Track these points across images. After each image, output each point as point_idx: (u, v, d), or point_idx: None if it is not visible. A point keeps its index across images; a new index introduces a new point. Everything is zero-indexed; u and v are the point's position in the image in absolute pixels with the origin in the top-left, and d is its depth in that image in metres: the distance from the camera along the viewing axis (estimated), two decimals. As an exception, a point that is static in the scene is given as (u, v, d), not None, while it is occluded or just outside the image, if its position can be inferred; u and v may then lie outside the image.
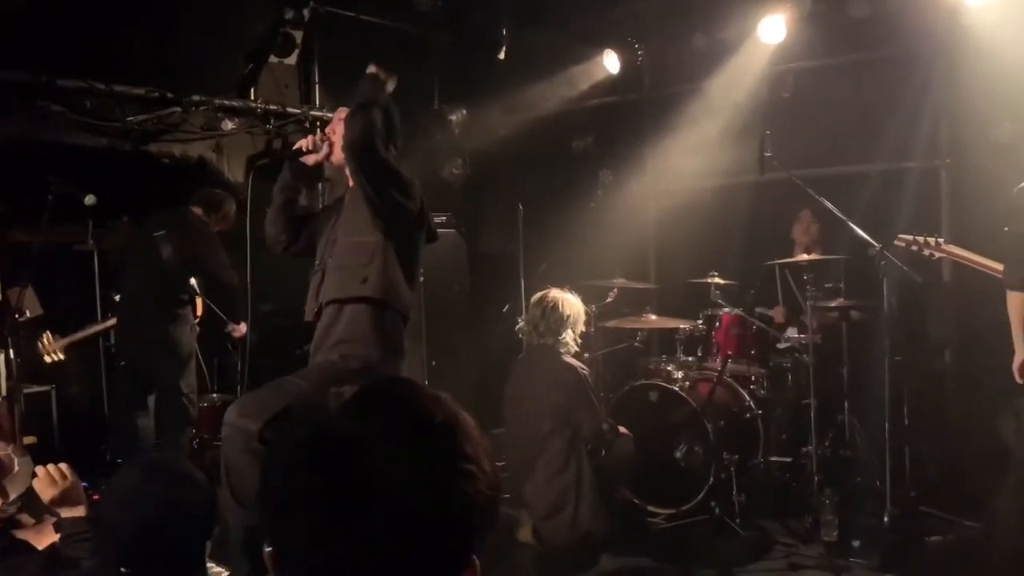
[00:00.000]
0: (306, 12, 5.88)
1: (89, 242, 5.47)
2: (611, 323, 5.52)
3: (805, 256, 5.06)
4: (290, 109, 6.10)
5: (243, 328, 5.36)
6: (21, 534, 2.37)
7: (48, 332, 5.13)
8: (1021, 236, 3.32)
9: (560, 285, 4.67)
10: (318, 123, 5.93)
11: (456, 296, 6.08)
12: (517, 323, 4.81)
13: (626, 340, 5.76)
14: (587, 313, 4.77)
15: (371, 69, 3.44)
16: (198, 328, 5.43)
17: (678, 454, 4.92)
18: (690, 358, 5.33)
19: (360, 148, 3.28)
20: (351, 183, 3.53)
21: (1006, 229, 3.40)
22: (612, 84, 6.65)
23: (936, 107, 5.38)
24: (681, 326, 5.36)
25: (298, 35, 5.97)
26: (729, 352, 5.16)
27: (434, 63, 6.86)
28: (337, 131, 3.49)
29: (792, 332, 5.49)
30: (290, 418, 3.11)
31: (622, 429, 4.62)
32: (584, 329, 4.68)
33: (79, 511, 2.18)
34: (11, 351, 4.68)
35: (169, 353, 5.16)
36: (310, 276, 3.58)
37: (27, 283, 4.85)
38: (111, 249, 5.71)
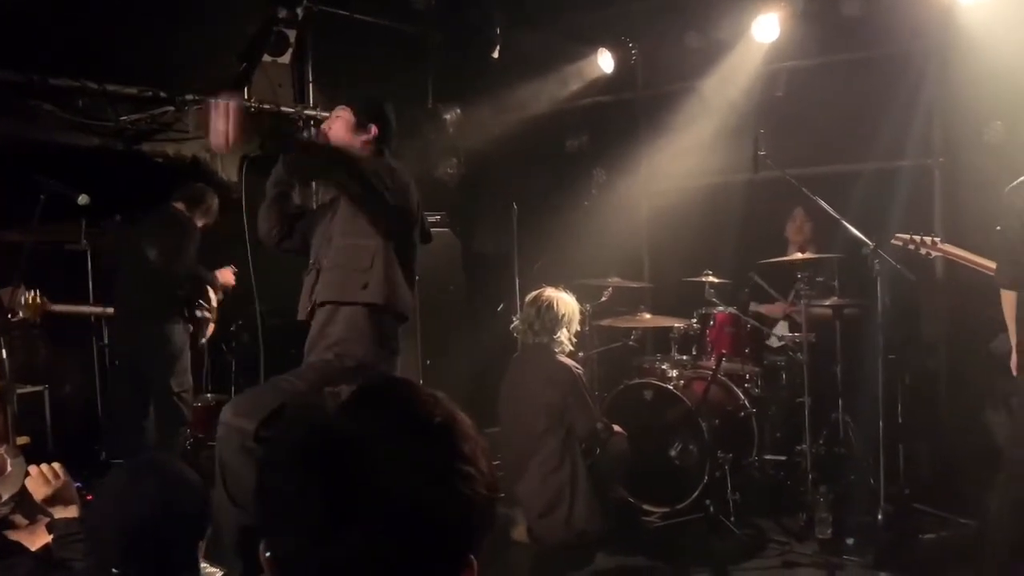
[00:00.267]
0: (300, 11, 5.86)
1: (82, 242, 5.45)
2: (605, 322, 5.53)
3: (799, 255, 5.07)
4: (284, 108, 6.08)
5: (229, 276, 5.36)
6: (14, 535, 2.37)
7: (37, 291, 5.08)
8: (1012, 235, 3.33)
9: (555, 284, 4.67)
10: (312, 122, 5.92)
11: (451, 295, 6.07)
12: (512, 322, 4.81)
13: (620, 339, 5.76)
14: (581, 312, 4.77)
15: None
16: (212, 327, 5.43)
17: (673, 453, 4.93)
18: (684, 357, 5.34)
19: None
20: None
21: (998, 228, 3.40)
22: (606, 83, 6.65)
23: (929, 106, 5.39)
24: (675, 325, 5.36)
25: (292, 34, 5.94)
26: (723, 351, 5.17)
27: (428, 62, 6.86)
28: (333, 128, 3.49)
29: (783, 329, 5.51)
30: (286, 417, 3.11)
31: (616, 428, 4.63)
32: (579, 328, 4.68)
33: (72, 511, 2.17)
34: (3, 351, 4.65)
35: (159, 352, 5.15)
36: (304, 275, 3.57)
37: (19, 283, 4.83)
38: (105, 251, 5.69)
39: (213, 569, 3.36)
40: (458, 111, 6.67)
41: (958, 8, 4.97)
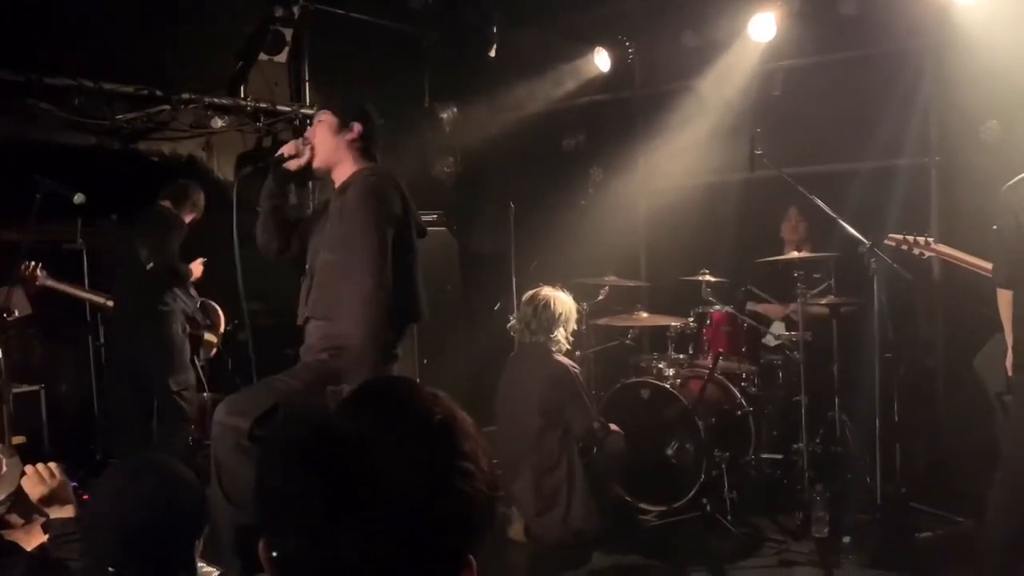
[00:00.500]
0: (296, 9, 5.86)
1: (78, 240, 5.44)
2: (602, 321, 5.53)
3: (796, 253, 5.08)
4: (280, 107, 6.08)
5: (198, 269, 5.37)
6: (9, 535, 2.36)
7: (40, 264, 5.08)
8: (1008, 234, 3.33)
9: (552, 283, 4.67)
10: (308, 121, 5.91)
11: (447, 294, 6.06)
12: (509, 321, 4.81)
13: (617, 338, 5.77)
14: (578, 311, 4.78)
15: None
16: (214, 351, 5.43)
17: (669, 451, 4.93)
18: (681, 356, 5.34)
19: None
20: (336, 186, 3.52)
21: (995, 227, 3.41)
22: (603, 82, 6.65)
23: (925, 104, 5.40)
24: (672, 324, 5.36)
25: (288, 33, 5.95)
26: (720, 349, 5.17)
27: (425, 61, 6.85)
28: (317, 134, 3.48)
29: (780, 328, 5.51)
30: (284, 415, 3.11)
31: (613, 427, 4.63)
32: (575, 327, 4.68)
33: (68, 511, 2.17)
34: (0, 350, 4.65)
35: (157, 351, 5.15)
36: (301, 280, 3.56)
37: (15, 282, 4.83)
38: (101, 249, 5.68)
39: (210, 568, 3.35)
40: (455, 110, 6.67)
41: (954, 7, 4.98)
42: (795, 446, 4.96)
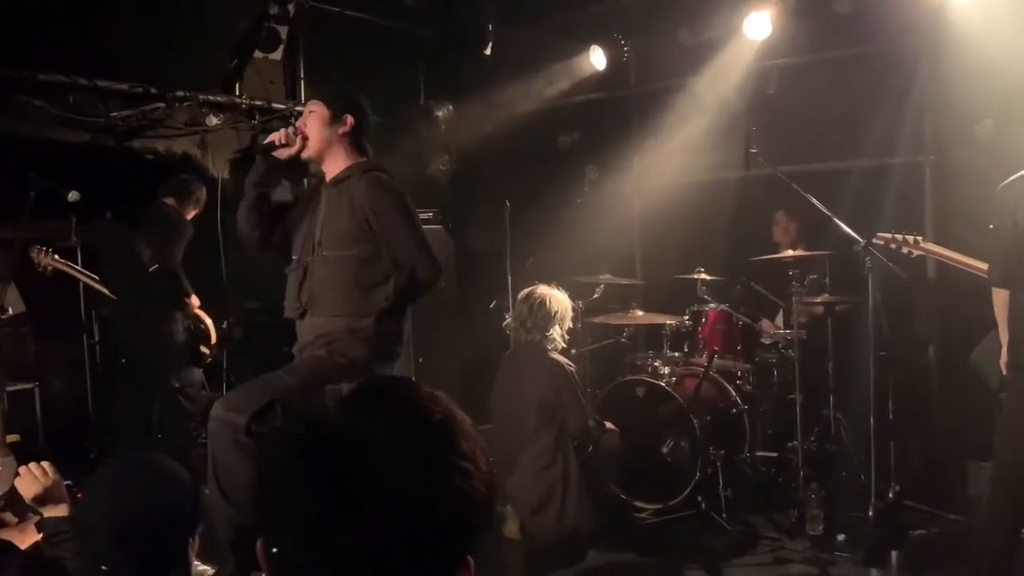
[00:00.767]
0: (291, 7, 5.85)
1: (72, 238, 5.43)
2: (598, 319, 5.53)
3: (790, 252, 5.08)
4: (275, 105, 6.07)
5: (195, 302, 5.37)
6: (4, 533, 2.36)
7: (51, 249, 5.09)
8: (1005, 234, 3.34)
9: (547, 281, 4.67)
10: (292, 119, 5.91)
11: (443, 293, 6.05)
12: (504, 319, 4.81)
13: (613, 336, 5.77)
14: (574, 309, 4.78)
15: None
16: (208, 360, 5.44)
17: (664, 449, 4.93)
18: (676, 354, 5.34)
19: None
20: (328, 178, 3.51)
21: (991, 226, 3.41)
22: (598, 80, 6.64)
23: (920, 103, 5.41)
24: (667, 322, 5.37)
25: (283, 30, 5.94)
26: (715, 348, 5.17)
27: (420, 59, 6.85)
28: (308, 123, 3.46)
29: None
30: (283, 413, 3.10)
31: (609, 425, 4.63)
32: (571, 325, 4.68)
33: (62, 510, 2.16)
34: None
35: (158, 350, 5.15)
36: (287, 271, 3.54)
37: (9, 280, 4.81)
38: (95, 247, 5.67)
39: (205, 567, 3.35)
40: (450, 108, 6.67)
41: (949, 5, 4.98)
42: (790, 444, 4.97)
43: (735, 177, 5.64)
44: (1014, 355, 3.32)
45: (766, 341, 5.49)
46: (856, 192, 5.27)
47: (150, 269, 5.01)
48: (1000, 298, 3.41)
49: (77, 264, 5.57)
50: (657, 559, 4.40)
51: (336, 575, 0.90)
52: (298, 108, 6.05)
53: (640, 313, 5.47)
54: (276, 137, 3.44)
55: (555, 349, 4.53)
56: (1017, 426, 3.32)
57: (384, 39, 6.44)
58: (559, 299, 4.57)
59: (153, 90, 5.43)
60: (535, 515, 4.35)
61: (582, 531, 4.36)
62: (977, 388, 3.98)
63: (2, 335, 4.94)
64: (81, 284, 5.55)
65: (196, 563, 2.12)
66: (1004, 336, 3.39)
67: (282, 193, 3.91)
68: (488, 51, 6.16)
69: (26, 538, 2.29)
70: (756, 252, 5.22)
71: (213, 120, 5.75)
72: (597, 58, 6.46)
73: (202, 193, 5.37)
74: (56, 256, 5.10)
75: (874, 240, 4.23)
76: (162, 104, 5.52)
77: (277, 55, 6.06)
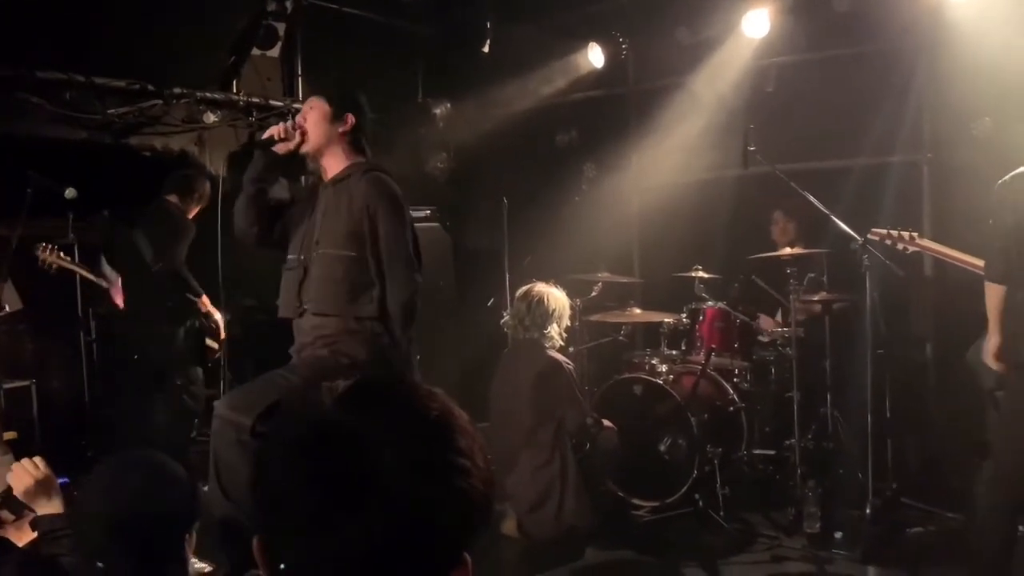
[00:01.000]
0: (289, 4, 5.84)
1: (69, 236, 5.41)
2: (595, 317, 5.53)
3: (788, 250, 5.08)
4: (273, 102, 6.05)
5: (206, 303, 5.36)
6: (1, 531, 2.35)
7: (57, 246, 5.09)
8: (1004, 230, 3.34)
9: (545, 279, 4.67)
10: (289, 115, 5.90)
11: (441, 291, 6.06)
12: (502, 317, 4.81)
13: (610, 334, 5.77)
14: (572, 307, 4.78)
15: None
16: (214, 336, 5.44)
17: (662, 447, 4.94)
18: (674, 352, 5.35)
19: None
20: (328, 177, 3.50)
21: (990, 222, 3.41)
22: (596, 78, 6.64)
23: (918, 102, 5.41)
24: (665, 320, 5.37)
25: (281, 27, 5.92)
26: (713, 345, 5.18)
27: (418, 56, 6.83)
28: (309, 119, 3.44)
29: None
30: (284, 412, 3.10)
31: (606, 423, 4.63)
32: (569, 323, 4.68)
33: (54, 505, 2.16)
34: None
35: (162, 348, 5.15)
36: (284, 270, 3.52)
37: (6, 278, 4.80)
38: (93, 245, 5.66)
39: (203, 564, 3.35)
40: (448, 106, 6.66)
41: (948, 4, 4.99)
42: (787, 442, 4.98)
43: (733, 175, 5.64)
44: (1014, 353, 3.32)
45: (764, 339, 5.49)
46: (854, 190, 5.27)
47: (154, 269, 5.00)
48: (994, 292, 3.40)
49: (74, 259, 5.57)
50: (654, 557, 4.40)
51: (334, 573, 0.89)
52: (296, 105, 6.04)
53: (638, 311, 5.48)
54: (275, 131, 3.42)
55: (553, 347, 4.53)
56: (1016, 425, 3.33)
57: (382, 37, 6.43)
58: (557, 297, 4.57)
59: (150, 87, 5.42)
60: (533, 512, 4.36)
61: (580, 529, 4.36)
62: (974, 386, 3.98)
63: (-1, 332, 4.94)
64: (79, 281, 5.54)
65: (193, 561, 2.12)
66: (994, 329, 3.39)
67: (279, 191, 3.90)
68: (486, 49, 6.15)
69: (23, 536, 2.29)
70: (754, 250, 5.22)
71: (211, 117, 5.74)
72: (595, 56, 6.45)
73: (206, 188, 5.36)
74: (61, 253, 5.09)
75: (869, 236, 4.22)
76: (159, 101, 5.51)
77: (275, 52, 6.05)
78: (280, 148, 3.42)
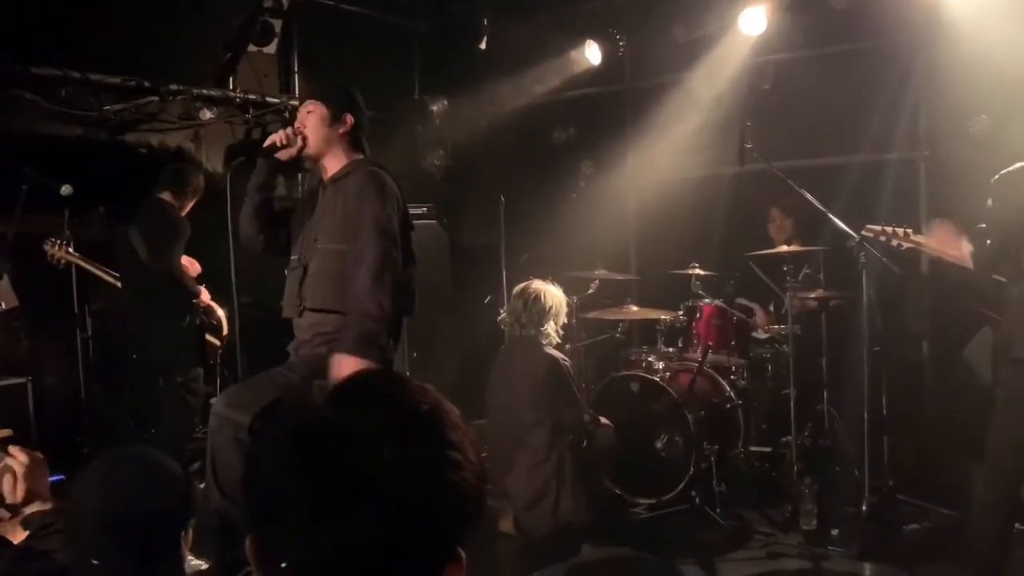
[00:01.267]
0: (286, 1, 5.83)
1: (65, 233, 5.40)
2: (592, 314, 5.53)
3: (785, 247, 5.08)
4: (269, 99, 6.05)
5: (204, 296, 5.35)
6: (-4, 528, 2.34)
7: (67, 243, 5.09)
8: (1000, 224, 3.34)
9: (542, 276, 4.67)
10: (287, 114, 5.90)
11: (437, 288, 6.05)
12: (499, 314, 4.81)
13: (607, 331, 5.77)
14: (568, 304, 4.78)
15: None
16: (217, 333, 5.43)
17: (659, 444, 4.94)
18: (671, 349, 5.35)
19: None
20: (326, 176, 3.50)
21: (987, 205, 3.41)
22: (593, 75, 6.64)
23: (915, 99, 5.42)
24: (662, 317, 5.37)
25: (277, 24, 5.92)
26: (710, 343, 5.18)
27: (415, 53, 6.83)
28: (307, 124, 3.44)
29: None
30: (280, 410, 3.09)
31: (603, 420, 4.64)
32: (566, 320, 4.68)
33: (40, 495, 2.15)
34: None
35: (161, 346, 5.14)
36: (287, 271, 3.53)
37: (1, 275, 4.79)
38: (89, 242, 5.65)
39: (198, 561, 3.34)
40: (445, 103, 6.66)
41: (944, 2, 4.99)
42: (784, 439, 4.98)
43: (730, 172, 5.65)
44: (1012, 349, 3.32)
45: (760, 336, 5.49)
46: (851, 188, 5.28)
47: (146, 263, 4.99)
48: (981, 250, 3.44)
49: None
50: (651, 554, 4.40)
51: (327, 569, 0.89)
52: (292, 102, 6.04)
53: (635, 308, 5.48)
54: (277, 139, 3.44)
55: (550, 344, 4.53)
56: (1013, 422, 3.33)
57: (379, 33, 6.42)
58: (554, 294, 4.57)
59: (146, 84, 5.41)
60: (529, 509, 4.36)
61: (576, 525, 4.36)
62: (970, 383, 3.99)
63: (-5, 330, 4.93)
64: (75, 278, 5.52)
65: (189, 557, 2.11)
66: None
67: (277, 189, 3.90)
68: (483, 46, 6.15)
69: (19, 533, 2.28)
70: (751, 247, 5.23)
71: (207, 114, 5.73)
72: (592, 53, 6.45)
73: (199, 182, 5.32)
74: (70, 249, 5.08)
75: (863, 232, 4.23)
76: (155, 98, 5.50)
77: (271, 49, 6.04)
78: (283, 155, 3.45)
